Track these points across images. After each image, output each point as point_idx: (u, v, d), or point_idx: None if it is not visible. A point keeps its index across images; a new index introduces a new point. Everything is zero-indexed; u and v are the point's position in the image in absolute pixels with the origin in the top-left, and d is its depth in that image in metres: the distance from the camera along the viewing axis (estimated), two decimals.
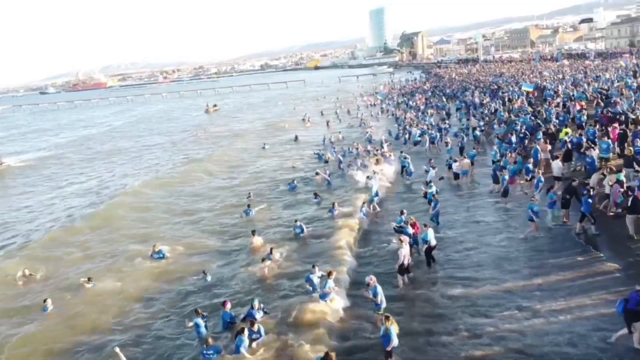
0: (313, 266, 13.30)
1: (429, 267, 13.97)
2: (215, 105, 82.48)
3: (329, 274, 12.46)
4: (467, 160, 21.73)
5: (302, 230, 17.71)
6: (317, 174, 25.91)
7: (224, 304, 12.24)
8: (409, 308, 12.06)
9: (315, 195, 22.07)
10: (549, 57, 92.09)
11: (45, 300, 14.33)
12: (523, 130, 23.72)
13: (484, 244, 15.12)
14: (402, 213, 15.96)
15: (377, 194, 20.77)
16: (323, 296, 12.23)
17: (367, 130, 38.34)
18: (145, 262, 16.72)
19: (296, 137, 40.95)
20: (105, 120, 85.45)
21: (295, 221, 18.16)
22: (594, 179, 15.53)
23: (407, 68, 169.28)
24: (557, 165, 17.43)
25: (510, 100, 35.65)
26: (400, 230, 14.83)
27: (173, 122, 68.21)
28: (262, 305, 12.02)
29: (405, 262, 12.96)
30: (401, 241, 13.04)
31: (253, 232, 17.43)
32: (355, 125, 45.13)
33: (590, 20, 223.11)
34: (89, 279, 15.40)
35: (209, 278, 14.88)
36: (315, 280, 12.84)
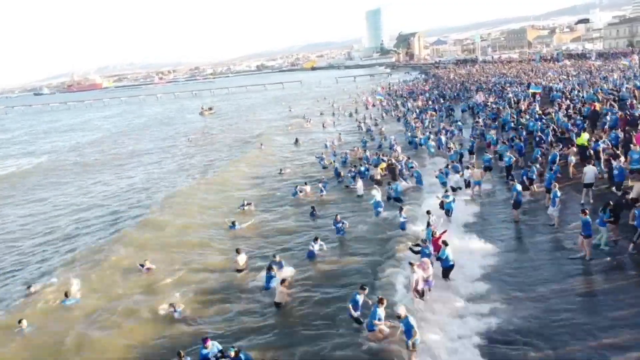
0: (362, 287, 11.24)
1: (447, 280, 12.57)
2: (210, 108, 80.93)
3: (380, 301, 10.36)
4: (478, 170, 20.05)
5: (317, 250, 15.61)
6: (305, 183, 24.31)
7: (204, 341, 10.39)
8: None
9: (313, 209, 20.23)
10: (548, 57, 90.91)
11: (20, 321, 12.86)
12: (538, 134, 22.26)
13: (508, 267, 13.36)
14: (429, 225, 14.11)
15: (380, 205, 18.87)
16: (370, 327, 10.37)
17: (377, 135, 36.60)
18: (133, 284, 15.25)
19: (297, 140, 39.34)
20: (98, 123, 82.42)
21: (315, 239, 15.88)
22: (637, 189, 13.97)
23: (404, 69, 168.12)
24: (591, 171, 15.86)
25: (517, 102, 34.27)
26: (417, 251, 13.19)
27: (169, 126, 65.19)
28: (241, 355, 9.90)
29: (420, 287, 11.44)
30: (412, 265, 11.52)
31: (237, 251, 15.55)
32: (356, 128, 43.64)
33: (586, 21, 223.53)
34: (66, 294, 14.06)
35: (179, 310, 12.92)
36: (362, 302, 11.04)
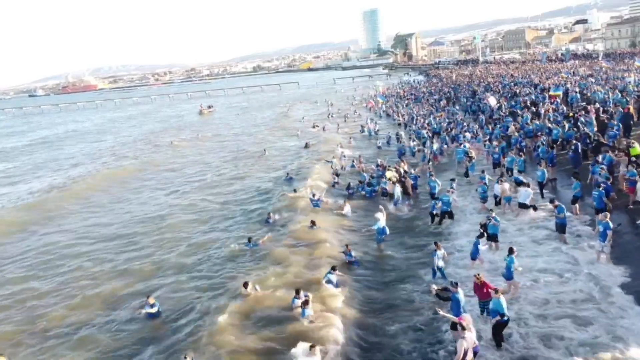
0: None
1: (499, 348, 9.61)
2: (209, 107, 79.00)
3: None
4: (507, 185, 17.21)
5: (335, 281, 12.96)
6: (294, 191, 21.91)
7: None
8: None
9: (312, 223, 17.36)
10: (553, 57, 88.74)
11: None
12: (573, 142, 19.57)
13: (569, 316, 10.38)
14: (511, 251, 11.24)
15: (384, 232, 15.80)
16: None
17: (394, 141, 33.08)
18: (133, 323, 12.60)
19: (307, 144, 36.33)
20: (93, 131, 77.01)
21: (334, 268, 13.16)
22: None
23: (403, 69, 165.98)
24: None
25: (535, 105, 31.72)
26: (445, 297, 10.21)
27: (172, 131, 60.31)
28: None
29: (469, 358, 8.51)
30: (463, 328, 8.50)
31: (245, 285, 12.84)
32: (357, 131, 41.01)
33: (585, 21, 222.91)
34: None
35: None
36: None
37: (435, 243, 13.18)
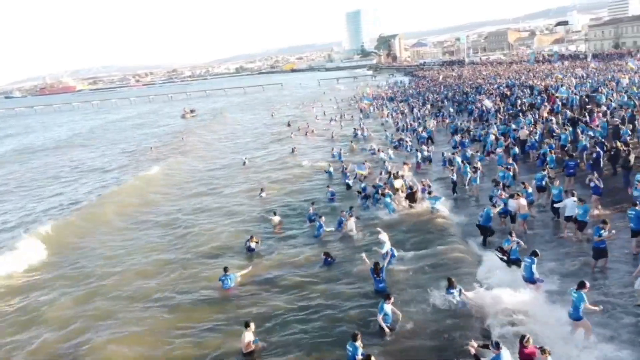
0: None
1: None
2: (192, 111, 76.94)
3: None
4: (524, 201, 15.11)
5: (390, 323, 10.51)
6: (274, 213, 19.24)
7: None
8: None
9: (328, 256, 14.72)
10: (540, 58, 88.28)
11: None
12: (595, 149, 17.79)
13: None
14: (582, 286, 9.19)
15: (393, 255, 13.69)
16: None
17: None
18: None
19: (293, 150, 34.11)
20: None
21: (387, 297, 10.57)
22: None
23: (387, 70, 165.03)
24: None
25: (536, 108, 30.18)
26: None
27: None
28: None
29: None
30: None
31: (247, 324, 10.54)
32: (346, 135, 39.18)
33: (565, 23, 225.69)
34: None
35: None
36: None
37: (449, 279, 11.20)
